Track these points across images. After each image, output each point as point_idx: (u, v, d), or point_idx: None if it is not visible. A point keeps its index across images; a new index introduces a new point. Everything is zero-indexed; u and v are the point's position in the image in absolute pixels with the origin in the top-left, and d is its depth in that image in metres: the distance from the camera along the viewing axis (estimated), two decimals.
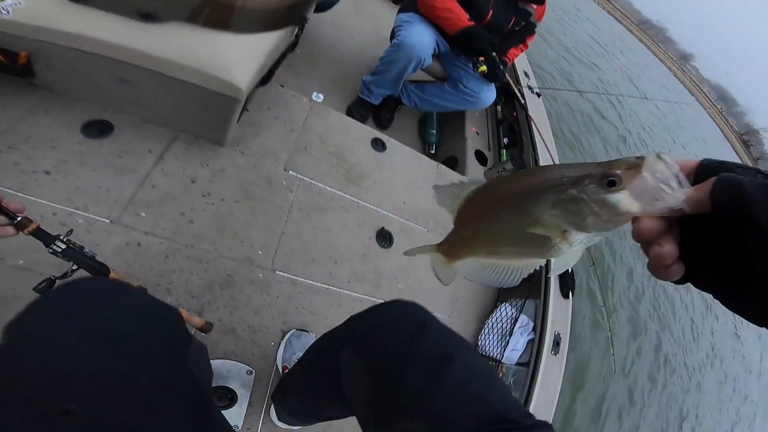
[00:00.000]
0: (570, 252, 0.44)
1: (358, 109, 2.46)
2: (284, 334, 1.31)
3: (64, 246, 0.83)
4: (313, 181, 1.65)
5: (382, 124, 2.60)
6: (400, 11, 2.28)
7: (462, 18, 2.02)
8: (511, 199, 0.47)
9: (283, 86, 1.85)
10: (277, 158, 1.62)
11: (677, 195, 0.35)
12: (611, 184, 0.38)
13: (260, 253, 1.39)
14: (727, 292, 0.36)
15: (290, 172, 1.62)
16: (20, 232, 0.78)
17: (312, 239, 1.52)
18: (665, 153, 0.37)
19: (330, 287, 1.49)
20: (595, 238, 0.43)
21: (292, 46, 1.65)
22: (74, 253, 0.84)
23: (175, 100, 1.30)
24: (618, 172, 0.37)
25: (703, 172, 0.36)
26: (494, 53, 2.06)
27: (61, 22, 1.06)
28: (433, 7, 2.04)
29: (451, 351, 0.66)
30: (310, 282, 1.45)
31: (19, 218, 0.77)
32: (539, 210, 0.42)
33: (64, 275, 0.83)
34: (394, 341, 0.70)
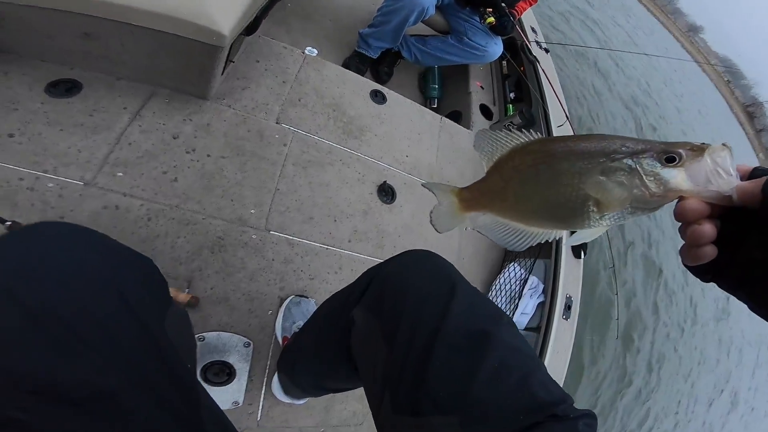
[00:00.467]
0: (595, 227, 0.44)
1: (355, 64, 2.30)
2: (282, 301, 1.20)
3: None
4: (308, 134, 1.51)
5: (380, 79, 2.45)
6: None
7: None
8: (563, 157, 0.44)
9: (273, 39, 1.69)
10: (269, 111, 1.47)
11: (731, 181, 0.36)
12: (670, 160, 0.39)
13: (253, 212, 1.26)
14: (754, 290, 0.37)
15: (283, 125, 1.47)
16: None
17: (309, 196, 1.39)
18: (730, 145, 0.37)
19: (330, 248, 1.37)
20: (628, 216, 0.42)
21: None
22: None
23: (149, 53, 1.14)
24: (681, 150, 0.38)
25: (756, 175, 0.37)
26: (503, 4, 1.94)
27: None
28: None
29: (488, 325, 0.56)
30: (308, 242, 1.33)
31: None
32: (589, 173, 0.41)
33: None
34: (417, 305, 0.59)
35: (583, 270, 1.85)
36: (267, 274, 1.21)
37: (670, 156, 0.39)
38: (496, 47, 2.22)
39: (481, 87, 2.53)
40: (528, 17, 2.81)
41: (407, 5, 1.96)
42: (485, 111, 2.41)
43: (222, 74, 1.35)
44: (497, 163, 0.50)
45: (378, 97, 1.82)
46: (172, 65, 1.19)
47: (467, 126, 2.22)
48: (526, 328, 1.71)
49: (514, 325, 0.61)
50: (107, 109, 1.18)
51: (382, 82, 2.42)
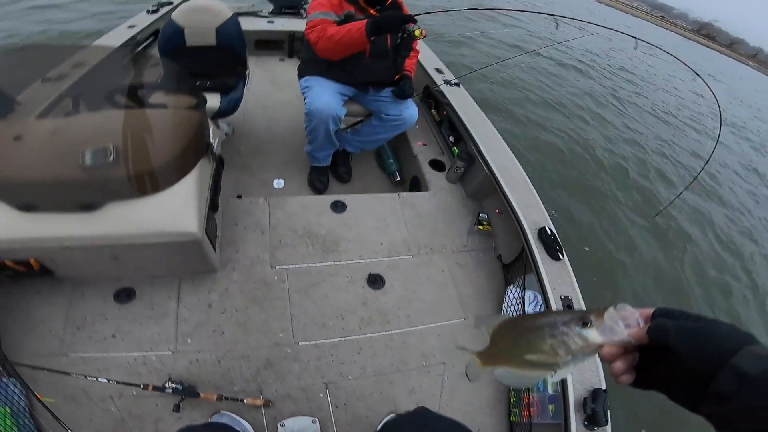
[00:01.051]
0: (564, 369, 0.73)
1: (317, 177, 3.29)
2: (326, 386, 2.10)
3: (171, 389, 1.83)
4: (298, 266, 2.47)
5: (343, 179, 3.46)
6: (299, 76, 3.05)
7: (356, 24, 2.52)
8: (526, 331, 0.78)
9: (240, 196, 2.74)
10: (262, 261, 2.45)
11: (624, 332, 0.67)
12: (585, 324, 0.69)
13: (281, 335, 2.20)
14: (667, 390, 0.66)
15: (277, 267, 2.45)
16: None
17: (316, 310, 2.32)
18: (621, 307, 0.69)
19: (346, 338, 2.27)
20: (578, 361, 0.72)
21: (220, 165, 2.42)
22: (179, 390, 1.84)
23: (161, 257, 2.06)
24: (591, 317, 0.69)
25: (658, 313, 0.68)
26: (411, 18, 2.57)
27: (26, 230, 1.72)
28: (328, 41, 2.60)
29: None
30: (329, 341, 2.24)
31: None
32: (543, 339, 0.73)
33: (181, 400, 1.86)
34: None
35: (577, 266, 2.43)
36: (309, 371, 2.12)
37: (584, 321, 0.69)
38: (409, 110, 3.08)
39: (425, 144, 3.52)
40: (430, 60, 3.85)
41: (319, 122, 2.83)
42: (436, 165, 3.36)
43: (215, 250, 2.29)
44: (492, 336, 0.86)
45: (339, 208, 2.81)
46: (180, 259, 2.13)
47: (426, 188, 3.16)
48: None
49: None
50: (159, 302, 2.18)
51: (347, 181, 3.45)
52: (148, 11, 4.51)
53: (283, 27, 4.92)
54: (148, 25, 4.23)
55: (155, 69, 3.01)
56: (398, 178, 3.65)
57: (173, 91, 2.27)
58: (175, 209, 1.88)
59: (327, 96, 2.82)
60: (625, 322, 0.68)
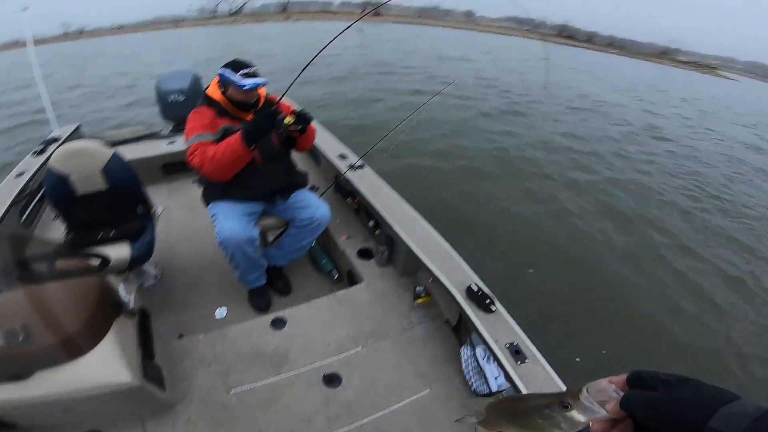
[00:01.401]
0: None
1: (257, 298, 3.53)
2: None
3: None
4: (253, 385, 2.73)
5: (283, 292, 3.71)
6: (205, 203, 3.28)
7: (232, 137, 2.70)
8: (518, 415, 0.85)
9: (181, 336, 3.01)
10: (217, 389, 2.69)
11: (602, 410, 0.72)
12: (565, 407, 0.75)
13: None
14: None
15: (232, 391, 2.69)
16: None
17: (281, 421, 2.54)
18: (593, 385, 0.75)
19: None
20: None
21: (145, 316, 2.64)
22: None
23: (110, 405, 2.19)
24: (568, 400, 0.75)
25: (630, 379, 0.74)
26: (276, 112, 2.71)
27: None
28: (211, 163, 2.74)
29: None
30: None
31: None
32: (535, 422, 0.79)
33: None
34: None
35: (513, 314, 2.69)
36: None
37: (564, 404, 0.75)
38: (320, 210, 3.29)
39: (348, 238, 3.85)
40: (332, 147, 4.19)
41: (235, 249, 3.01)
42: (364, 254, 3.71)
43: (165, 389, 2.44)
44: (487, 413, 0.93)
45: (279, 324, 3.10)
46: (129, 403, 2.28)
47: (360, 279, 3.49)
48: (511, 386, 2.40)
49: None
50: None
51: (288, 293, 3.72)
52: (34, 152, 4.49)
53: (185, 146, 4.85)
54: (38, 170, 4.21)
55: (51, 231, 3.51)
56: (336, 276, 3.88)
57: (72, 257, 2.49)
58: (104, 365, 2.05)
59: (233, 222, 2.96)
60: (603, 397, 0.73)
